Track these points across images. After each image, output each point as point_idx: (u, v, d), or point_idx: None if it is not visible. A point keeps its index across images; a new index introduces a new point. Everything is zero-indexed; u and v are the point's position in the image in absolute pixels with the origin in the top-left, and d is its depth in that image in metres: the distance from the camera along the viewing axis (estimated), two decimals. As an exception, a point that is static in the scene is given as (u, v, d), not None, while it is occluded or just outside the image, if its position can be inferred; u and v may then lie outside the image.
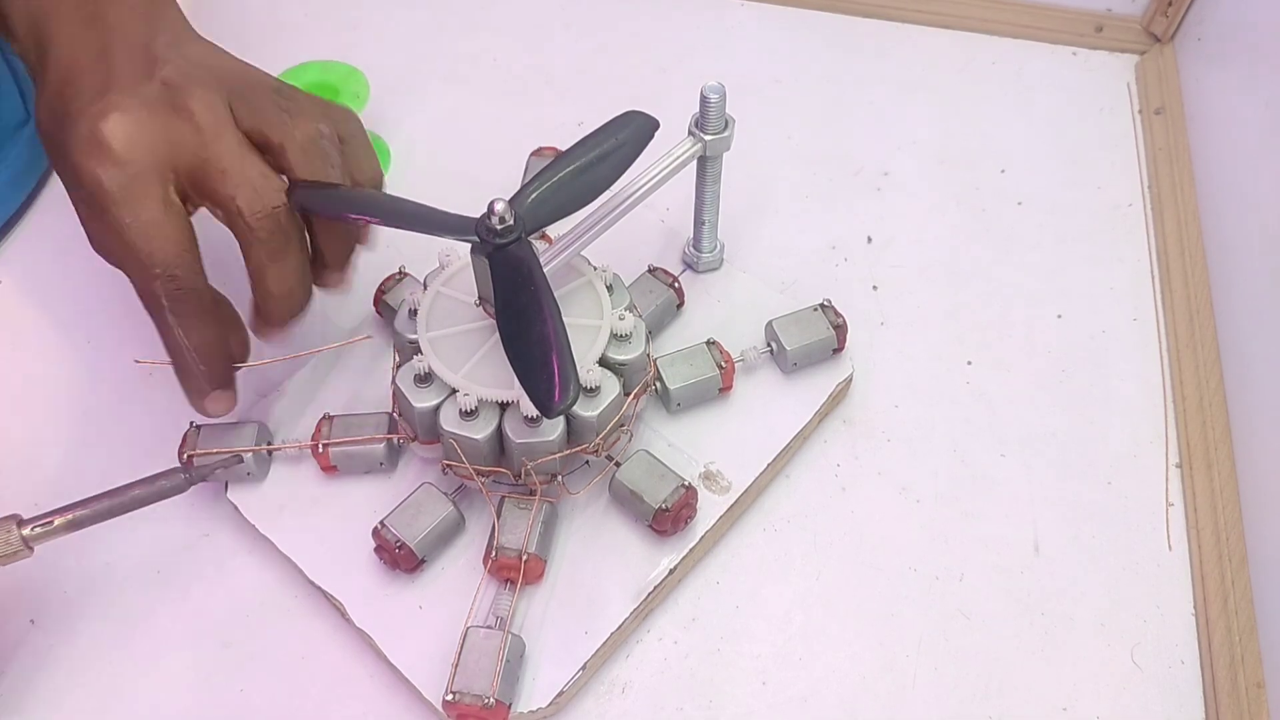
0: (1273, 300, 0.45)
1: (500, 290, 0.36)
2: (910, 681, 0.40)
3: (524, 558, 0.39)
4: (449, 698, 0.37)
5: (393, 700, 0.40)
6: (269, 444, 0.44)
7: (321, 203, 0.40)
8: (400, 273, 0.48)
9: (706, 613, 0.42)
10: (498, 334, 0.39)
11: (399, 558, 0.40)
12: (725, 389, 0.45)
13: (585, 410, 0.39)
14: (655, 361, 0.44)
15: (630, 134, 0.41)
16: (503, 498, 0.41)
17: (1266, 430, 0.44)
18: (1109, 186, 0.56)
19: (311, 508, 0.43)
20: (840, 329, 0.46)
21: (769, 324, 0.46)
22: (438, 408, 0.40)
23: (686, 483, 0.41)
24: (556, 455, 0.40)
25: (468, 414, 0.39)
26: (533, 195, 0.39)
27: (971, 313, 0.51)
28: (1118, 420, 0.47)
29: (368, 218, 0.39)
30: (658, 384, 0.44)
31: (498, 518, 0.40)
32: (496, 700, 0.37)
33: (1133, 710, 0.40)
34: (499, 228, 0.36)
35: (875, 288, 0.52)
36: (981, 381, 0.49)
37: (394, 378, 0.41)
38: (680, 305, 0.48)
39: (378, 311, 0.48)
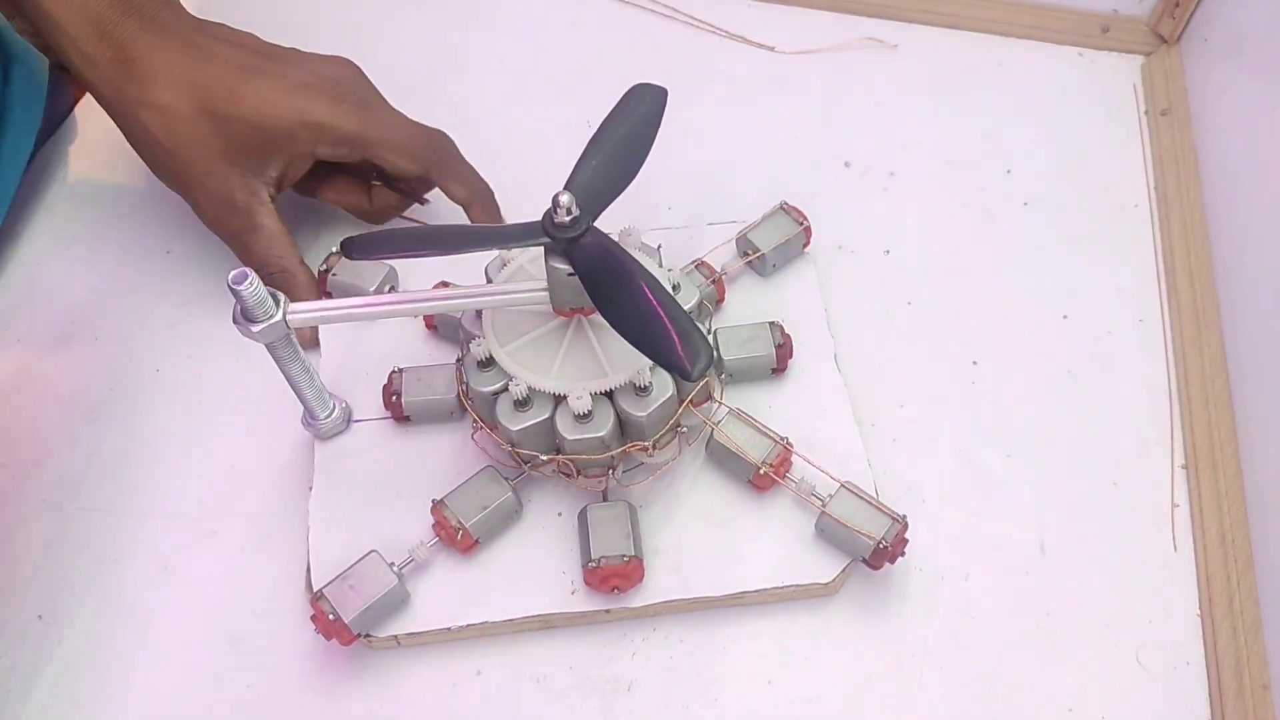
0: (1279, 302, 0.45)
1: (590, 283, 0.36)
2: (916, 681, 0.41)
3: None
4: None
5: (400, 697, 0.40)
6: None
7: (380, 248, 0.40)
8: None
9: (712, 611, 0.42)
10: (557, 325, 0.40)
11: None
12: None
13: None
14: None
15: (647, 106, 0.41)
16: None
17: (1272, 431, 0.44)
18: (1115, 187, 0.56)
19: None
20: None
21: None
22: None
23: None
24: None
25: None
26: (582, 183, 0.38)
27: (977, 313, 0.51)
28: (1123, 421, 0.47)
29: (431, 252, 0.40)
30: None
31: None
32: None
33: (1138, 711, 0.40)
34: (568, 220, 0.35)
35: (881, 288, 0.52)
36: (987, 382, 0.49)
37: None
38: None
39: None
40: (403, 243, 0.40)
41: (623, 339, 0.35)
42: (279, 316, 0.37)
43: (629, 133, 0.40)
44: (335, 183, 0.51)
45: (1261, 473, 0.44)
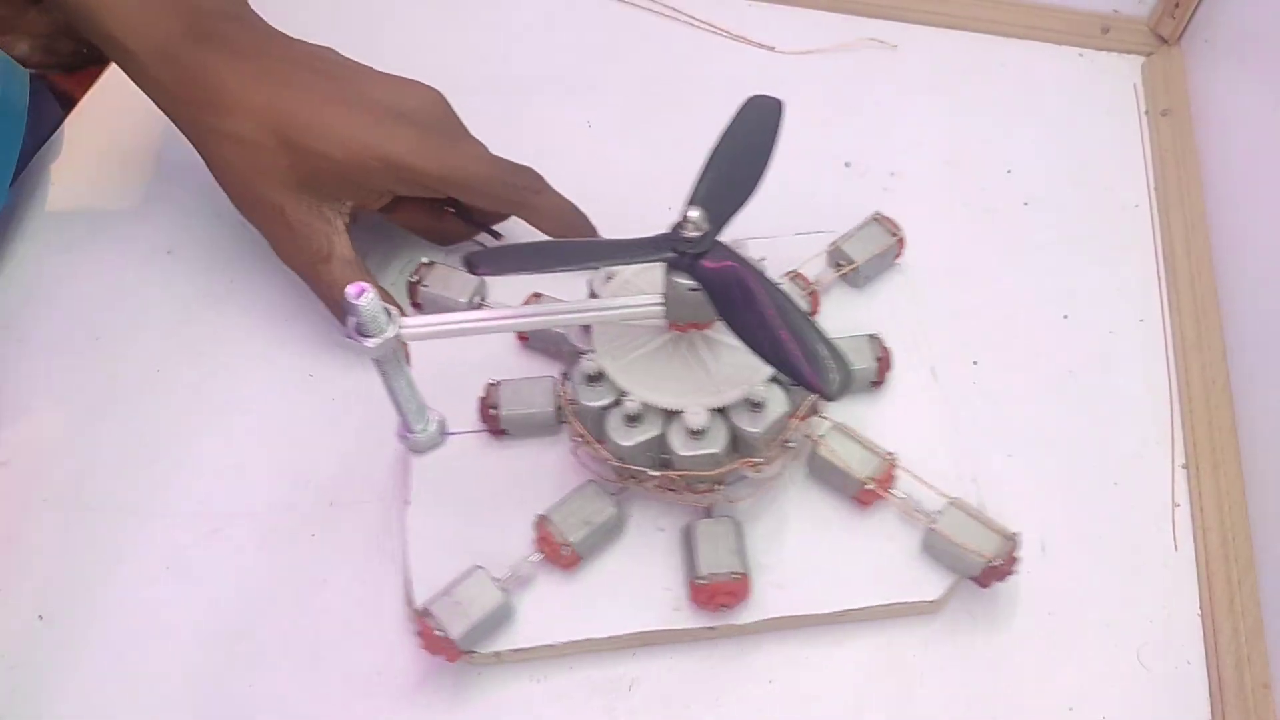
0: (1279, 302, 0.45)
1: (718, 300, 0.35)
2: (917, 680, 0.41)
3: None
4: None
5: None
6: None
7: (508, 264, 0.39)
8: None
9: (713, 611, 0.42)
10: (668, 340, 0.39)
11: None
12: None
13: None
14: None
15: (763, 118, 0.41)
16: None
17: (1272, 431, 0.44)
18: (1116, 188, 0.56)
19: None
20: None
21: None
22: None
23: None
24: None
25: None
26: (705, 197, 0.38)
27: (977, 313, 0.51)
28: (1124, 421, 0.47)
29: (558, 268, 0.39)
30: None
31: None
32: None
33: (1139, 710, 0.40)
34: (695, 235, 0.34)
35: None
36: (988, 382, 0.49)
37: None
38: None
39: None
40: (530, 258, 0.39)
41: (735, 354, 0.35)
42: (393, 332, 0.36)
43: (746, 145, 0.40)
44: (408, 206, 0.50)
45: (1262, 472, 0.44)
